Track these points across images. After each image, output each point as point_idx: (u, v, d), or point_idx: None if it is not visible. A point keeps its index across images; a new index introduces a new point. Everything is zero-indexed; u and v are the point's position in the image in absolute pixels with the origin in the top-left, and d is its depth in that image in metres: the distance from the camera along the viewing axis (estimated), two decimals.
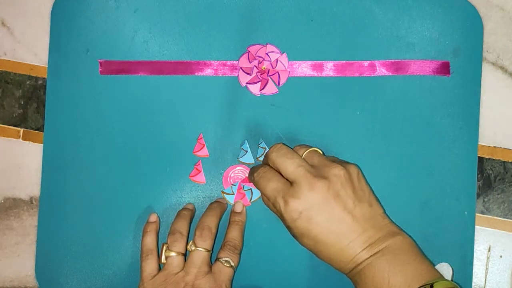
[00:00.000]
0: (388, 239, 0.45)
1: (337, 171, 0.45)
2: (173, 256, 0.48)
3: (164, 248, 0.49)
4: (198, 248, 0.48)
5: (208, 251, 0.48)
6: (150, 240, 0.50)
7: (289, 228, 0.46)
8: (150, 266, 0.49)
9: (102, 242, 0.52)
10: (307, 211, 0.44)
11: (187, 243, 0.49)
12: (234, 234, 0.50)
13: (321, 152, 0.48)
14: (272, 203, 0.46)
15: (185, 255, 0.49)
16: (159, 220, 0.52)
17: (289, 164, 0.46)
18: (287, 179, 0.46)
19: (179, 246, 0.48)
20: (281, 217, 0.46)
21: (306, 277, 0.51)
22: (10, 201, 0.54)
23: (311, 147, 0.48)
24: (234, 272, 0.49)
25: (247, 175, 0.52)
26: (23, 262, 0.54)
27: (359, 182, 0.46)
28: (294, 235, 0.46)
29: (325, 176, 0.45)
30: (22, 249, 0.54)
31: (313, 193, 0.44)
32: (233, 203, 0.52)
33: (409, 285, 0.42)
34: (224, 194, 0.52)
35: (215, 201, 0.52)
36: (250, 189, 0.52)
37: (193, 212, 0.52)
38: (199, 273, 0.47)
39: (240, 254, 0.50)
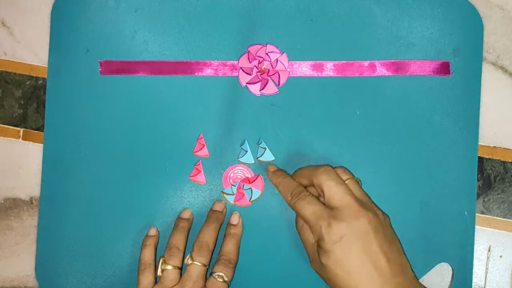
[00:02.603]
0: None
1: (376, 210, 0.47)
2: (169, 269, 0.48)
3: (161, 261, 0.49)
4: (195, 263, 0.48)
5: (205, 265, 0.48)
6: (148, 254, 0.50)
7: (324, 253, 0.45)
8: (146, 279, 0.49)
9: (102, 242, 0.52)
10: (348, 237, 0.44)
11: (183, 257, 0.49)
12: (229, 247, 0.50)
13: (360, 183, 0.49)
14: (312, 225, 0.46)
15: (181, 269, 0.49)
16: (158, 234, 0.52)
17: (338, 190, 0.46)
18: (325, 205, 0.46)
19: (176, 260, 0.49)
20: (320, 240, 0.45)
21: (305, 279, 0.51)
22: (10, 201, 0.54)
23: (351, 173, 0.49)
24: (228, 286, 0.49)
25: (246, 174, 0.52)
26: (23, 262, 0.54)
27: (391, 229, 0.48)
28: (324, 264, 0.45)
29: (368, 210, 0.45)
30: (22, 249, 0.54)
31: (357, 221, 0.44)
32: (232, 203, 0.52)
33: None
34: (224, 194, 0.52)
35: (213, 211, 0.52)
36: (250, 188, 0.52)
37: (190, 221, 0.52)
38: (194, 287, 0.47)
39: (234, 267, 0.50)
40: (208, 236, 0.49)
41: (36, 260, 0.53)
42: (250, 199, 0.52)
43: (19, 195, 0.54)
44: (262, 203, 0.52)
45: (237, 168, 0.52)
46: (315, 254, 0.46)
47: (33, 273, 0.53)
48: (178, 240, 0.50)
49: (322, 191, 0.46)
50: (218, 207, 0.52)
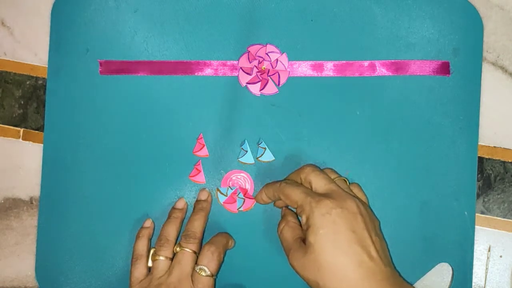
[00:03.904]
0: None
1: (364, 200, 0.48)
2: (160, 260, 0.48)
3: (152, 252, 0.49)
4: (184, 249, 0.48)
5: (194, 252, 0.48)
6: (141, 245, 0.50)
7: (312, 230, 0.44)
8: (138, 270, 0.49)
9: (102, 242, 0.52)
10: (337, 212, 0.44)
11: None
12: (193, 224, 0.50)
13: (347, 181, 0.49)
14: (301, 205, 0.45)
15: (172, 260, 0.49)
16: (154, 225, 0.52)
17: (323, 179, 0.46)
18: None
19: (166, 251, 0.49)
20: (309, 218, 0.45)
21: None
22: (10, 201, 0.54)
23: (338, 173, 0.50)
24: (215, 278, 0.48)
25: (247, 186, 0.52)
26: (23, 262, 0.54)
27: (379, 228, 0.48)
28: (311, 243, 0.44)
29: (356, 199, 0.46)
30: (22, 249, 0.54)
31: (345, 203, 0.44)
32: (221, 203, 0.52)
33: None
34: (218, 192, 0.52)
35: (198, 201, 0.52)
36: (244, 199, 0.52)
37: (184, 211, 0.52)
38: (182, 274, 0.47)
39: (200, 242, 0.49)
40: (195, 225, 0.50)
41: (36, 260, 0.53)
42: (239, 208, 0.52)
43: (19, 195, 0.54)
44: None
45: (241, 174, 0.52)
46: (298, 248, 0.46)
47: (33, 273, 0.53)
48: (170, 231, 0.50)
49: (310, 184, 0.47)
50: (203, 196, 0.52)
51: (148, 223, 0.52)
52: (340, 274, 0.43)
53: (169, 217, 0.51)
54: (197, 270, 0.47)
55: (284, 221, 0.49)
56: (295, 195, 0.46)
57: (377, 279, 0.43)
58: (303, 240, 0.46)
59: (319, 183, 0.46)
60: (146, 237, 0.51)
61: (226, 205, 0.52)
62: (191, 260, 0.48)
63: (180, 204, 0.52)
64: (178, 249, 0.49)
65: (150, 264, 0.49)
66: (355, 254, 0.43)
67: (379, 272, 0.43)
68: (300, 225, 0.48)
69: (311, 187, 0.46)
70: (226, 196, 0.52)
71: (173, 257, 0.49)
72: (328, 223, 0.44)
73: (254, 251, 0.52)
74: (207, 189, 0.52)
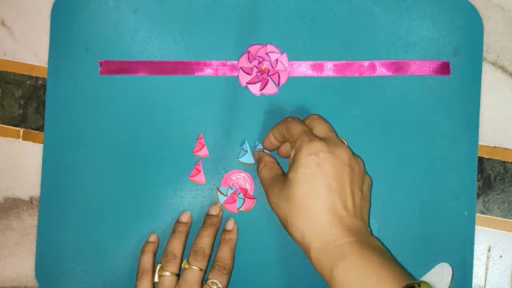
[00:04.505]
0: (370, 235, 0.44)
1: (360, 162, 0.47)
2: (166, 276, 0.48)
3: (158, 267, 0.49)
4: (192, 267, 0.48)
5: (202, 270, 0.48)
6: (146, 260, 0.50)
7: (295, 166, 0.44)
8: (143, 285, 0.49)
9: (102, 242, 0.52)
10: (325, 155, 0.44)
11: (181, 263, 0.49)
12: (223, 253, 0.50)
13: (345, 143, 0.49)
14: (295, 140, 0.46)
15: (179, 275, 0.49)
16: (158, 240, 0.52)
17: (325, 126, 0.47)
18: None
19: (172, 266, 0.49)
20: (296, 153, 0.45)
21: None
22: (10, 201, 0.54)
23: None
24: None
25: (247, 186, 0.52)
26: (23, 262, 0.54)
27: (369, 189, 0.48)
28: (290, 179, 0.44)
29: (351, 152, 0.46)
30: (22, 249, 0.54)
31: (338, 149, 0.45)
32: (221, 203, 0.52)
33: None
34: (218, 192, 0.52)
35: (209, 215, 0.51)
36: (244, 199, 0.52)
37: (189, 225, 0.52)
38: None
39: (229, 274, 0.49)
40: (204, 242, 0.49)
41: (36, 260, 0.53)
42: (239, 208, 0.52)
43: (19, 195, 0.54)
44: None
45: (241, 174, 0.52)
46: (276, 183, 0.46)
47: (33, 273, 0.53)
48: (175, 246, 0.50)
49: (312, 128, 0.47)
50: (214, 211, 0.52)
51: (153, 238, 0.52)
52: (309, 215, 0.43)
53: (174, 231, 0.51)
54: (209, 283, 0.47)
55: (263, 162, 0.49)
56: (295, 129, 0.46)
57: (344, 228, 0.43)
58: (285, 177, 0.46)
59: (321, 128, 0.47)
60: (152, 252, 0.51)
61: (226, 205, 0.52)
62: (199, 279, 0.48)
63: (185, 218, 0.52)
64: (186, 266, 0.48)
65: (156, 279, 0.49)
66: (329, 200, 0.43)
67: (349, 223, 0.43)
68: (279, 164, 0.49)
69: (312, 131, 0.47)
70: (226, 196, 0.52)
71: (179, 273, 0.49)
72: (312, 164, 0.44)
73: (254, 251, 0.52)
74: (219, 204, 0.52)
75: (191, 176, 0.53)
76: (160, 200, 0.53)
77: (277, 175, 0.48)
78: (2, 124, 0.55)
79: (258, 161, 0.51)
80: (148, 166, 0.53)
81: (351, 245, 0.42)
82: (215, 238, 0.50)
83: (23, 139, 0.54)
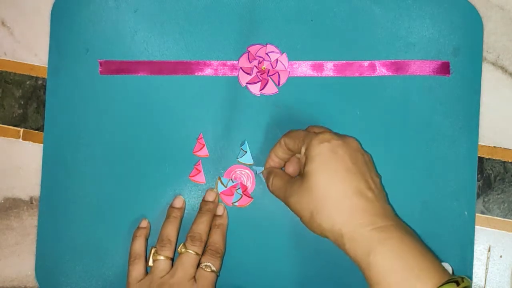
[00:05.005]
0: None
1: None
2: (160, 259, 0.49)
3: (152, 251, 0.49)
4: (188, 251, 0.48)
5: (198, 254, 0.49)
6: (138, 245, 0.50)
7: (309, 158, 0.43)
8: (136, 270, 0.49)
9: (102, 242, 0.52)
10: (337, 143, 0.43)
11: (176, 248, 0.50)
12: (215, 238, 0.50)
13: None
14: (302, 140, 0.45)
15: (173, 260, 0.49)
16: (150, 226, 0.52)
17: (326, 131, 0.47)
18: None
19: (167, 251, 0.49)
20: (308, 148, 0.44)
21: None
22: (10, 201, 0.54)
23: None
24: (217, 276, 0.49)
25: (248, 183, 0.52)
26: (23, 262, 0.54)
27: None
28: (307, 172, 0.43)
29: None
30: (22, 249, 0.54)
31: (346, 139, 0.45)
32: (218, 192, 0.52)
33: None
34: (219, 181, 0.52)
35: (205, 201, 0.52)
36: (241, 195, 0.52)
37: (183, 210, 0.52)
38: (185, 276, 0.47)
39: (222, 257, 0.50)
40: (201, 228, 0.50)
41: (36, 260, 0.53)
42: (234, 202, 0.52)
43: (19, 195, 0.54)
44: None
45: (245, 170, 0.52)
46: (293, 183, 0.45)
47: (33, 273, 0.53)
48: (170, 231, 0.50)
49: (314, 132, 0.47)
50: (210, 197, 0.52)
51: (144, 223, 0.52)
52: (336, 200, 0.41)
53: (168, 216, 0.51)
54: (203, 267, 0.48)
55: (271, 174, 0.48)
56: (298, 133, 0.46)
57: (375, 211, 0.41)
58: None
59: (320, 129, 0.47)
60: (143, 237, 0.51)
61: (222, 196, 0.52)
62: (194, 262, 0.48)
63: (179, 203, 0.52)
64: (183, 250, 0.49)
65: (150, 263, 0.49)
66: (352, 181, 0.42)
67: (378, 206, 0.41)
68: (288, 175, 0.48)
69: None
70: (226, 187, 0.52)
71: (173, 257, 0.49)
72: (326, 150, 0.43)
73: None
74: (214, 190, 0.52)
75: (191, 176, 0.53)
76: (160, 200, 0.53)
77: (290, 178, 0.47)
78: (2, 124, 0.55)
79: (267, 176, 0.50)
80: (148, 166, 0.53)
81: (390, 229, 0.40)
82: (211, 224, 0.51)
83: (23, 139, 0.54)
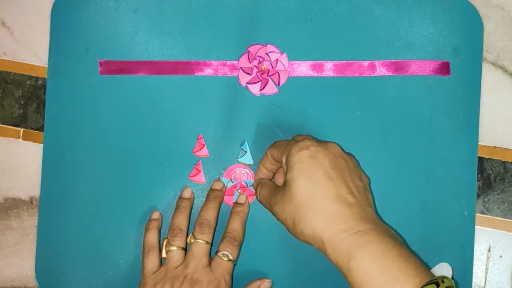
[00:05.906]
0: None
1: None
2: (173, 250, 0.49)
3: (165, 243, 0.49)
4: (197, 240, 0.48)
5: (208, 243, 0.49)
6: (151, 237, 0.50)
7: (290, 166, 0.44)
8: (151, 262, 0.49)
9: (102, 242, 0.52)
10: (316, 149, 0.43)
11: (187, 237, 0.50)
12: (234, 225, 0.50)
13: None
14: (283, 149, 0.46)
15: (186, 249, 0.49)
16: (161, 217, 0.52)
17: (308, 139, 0.46)
18: None
19: (179, 241, 0.49)
20: (288, 156, 0.44)
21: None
22: (10, 201, 0.54)
23: None
24: (235, 264, 0.49)
25: (247, 183, 0.52)
26: (23, 262, 0.54)
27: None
28: (288, 180, 0.44)
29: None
30: (22, 249, 0.54)
31: (326, 145, 0.45)
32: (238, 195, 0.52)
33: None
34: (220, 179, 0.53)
35: (212, 190, 0.52)
36: (241, 194, 0.52)
37: (191, 200, 0.52)
38: (198, 265, 0.48)
39: (240, 245, 0.50)
40: (209, 214, 0.50)
41: (36, 260, 0.53)
42: (234, 202, 0.52)
43: (19, 195, 0.54)
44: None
45: (245, 170, 0.52)
46: (276, 192, 0.45)
47: (33, 273, 0.53)
48: (181, 220, 0.50)
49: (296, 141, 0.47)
50: (218, 185, 0.52)
51: (156, 215, 0.52)
52: (315, 206, 0.42)
53: (177, 207, 0.51)
54: (220, 255, 0.48)
55: (259, 184, 0.49)
56: (280, 143, 0.47)
57: (356, 216, 0.41)
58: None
59: (302, 139, 0.46)
60: (156, 229, 0.51)
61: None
62: (206, 251, 0.48)
63: (187, 194, 0.52)
64: (192, 240, 0.49)
65: (164, 255, 0.49)
66: (332, 187, 0.42)
67: (360, 210, 0.41)
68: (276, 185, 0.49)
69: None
70: (226, 187, 0.52)
71: (186, 247, 0.49)
72: (305, 157, 0.43)
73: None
74: (222, 179, 0.52)
75: (191, 176, 0.53)
76: (160, 200, 0.53)
77: (276, 187, 0.47)
78: (2, 124, 0.55)
79: (255, 187, 0.50)
80: (148, 166, 0.53)
81: (368, 233, 0.40)
82: (219, 211, 0.51)
83: (23, 139, 0.54)
